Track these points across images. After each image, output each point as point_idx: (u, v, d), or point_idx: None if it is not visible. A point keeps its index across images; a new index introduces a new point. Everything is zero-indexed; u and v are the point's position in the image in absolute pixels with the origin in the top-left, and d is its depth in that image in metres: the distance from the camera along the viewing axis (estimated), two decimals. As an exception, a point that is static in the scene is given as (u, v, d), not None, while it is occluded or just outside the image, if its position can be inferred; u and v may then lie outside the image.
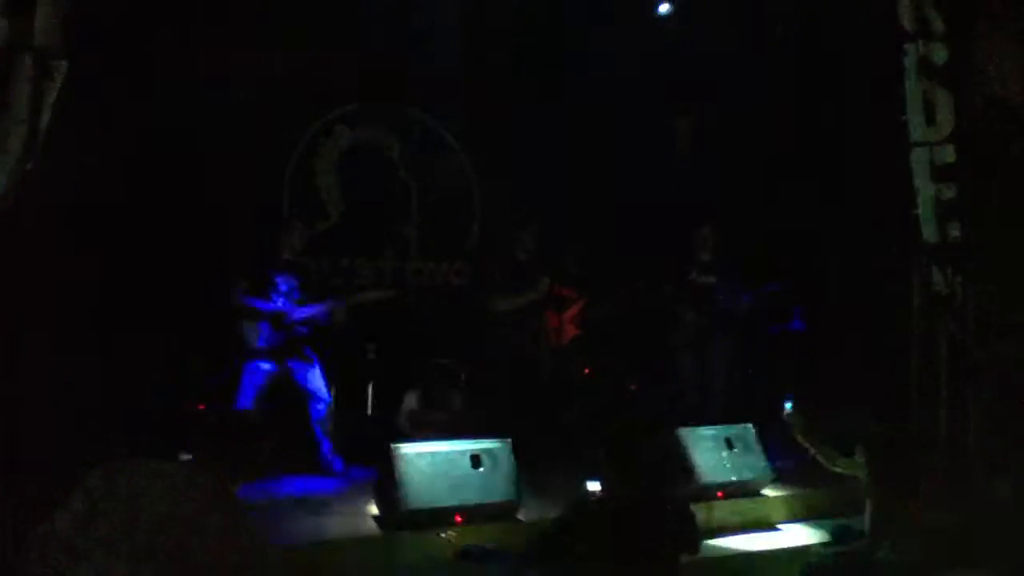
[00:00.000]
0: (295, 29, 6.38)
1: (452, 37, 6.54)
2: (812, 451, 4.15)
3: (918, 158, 2.91)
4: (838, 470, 4.06)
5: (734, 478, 4.93)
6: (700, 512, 3.79)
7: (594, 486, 4.72)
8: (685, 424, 5.12)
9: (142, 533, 2.30)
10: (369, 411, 6.41)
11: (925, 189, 2.87)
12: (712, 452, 4.94)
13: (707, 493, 4.84)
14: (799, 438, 4.15)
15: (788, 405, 4.17)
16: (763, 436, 5.12)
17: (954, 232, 2.72)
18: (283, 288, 5.41)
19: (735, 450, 4.96)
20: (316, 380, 5.53)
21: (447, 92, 7.56)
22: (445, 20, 6.34)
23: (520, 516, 4.54)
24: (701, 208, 6.74)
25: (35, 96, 3.67)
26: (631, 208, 7.48)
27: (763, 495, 5.05)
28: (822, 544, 4.36)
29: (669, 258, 6.40)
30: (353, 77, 7.33)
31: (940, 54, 2.92)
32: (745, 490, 4.99)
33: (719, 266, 6.11)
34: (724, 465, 4.91)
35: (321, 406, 5.55)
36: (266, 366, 5.36)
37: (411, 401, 6.11)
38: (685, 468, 4.84)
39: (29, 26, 3.70)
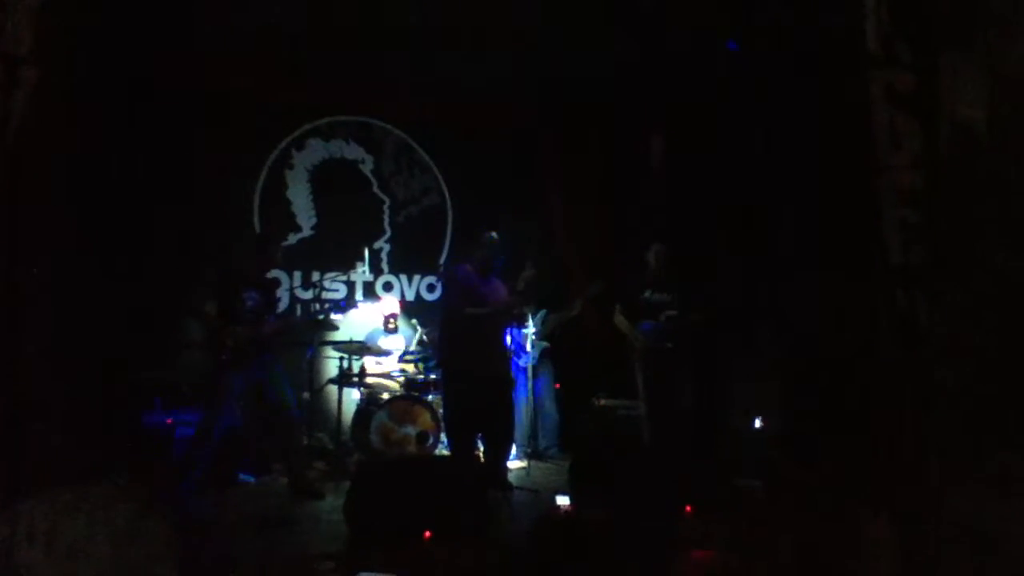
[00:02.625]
0: (271, 41, 6.37)
1: (427, 54, 6.56)
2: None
3: (884, 182, 2.96)
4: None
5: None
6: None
7: (563, 500, 4.76)
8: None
9: (64, 560, 2.28)
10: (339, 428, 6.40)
11: (890, 213, 2.92)
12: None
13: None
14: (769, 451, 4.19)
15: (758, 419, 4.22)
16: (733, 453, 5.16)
17: (919, 255, 2.77)
18: (249, 304, 5.38)
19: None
20: (285, 397, 5.50)
21: (421, 108, 7.61)
22: (421, 37, 6.35)
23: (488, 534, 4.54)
24: (661, 225, 6.80)
25: (2, 103, 3.60)
26: (593, 225, 7.58)
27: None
28: None
29: (622, 276, 6.43)
30: (328, 91, 7.35)
31: (906, 81, 2.98)
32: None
33: (671, 283, 6.13)
34: None
35: (291, 423, 5.52)
36: (238, 379, 5.32)
37: (382, 416, 6.10)
38: None
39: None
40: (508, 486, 5.60)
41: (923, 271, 2.77)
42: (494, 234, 5.50)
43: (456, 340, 5.42)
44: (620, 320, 6.12)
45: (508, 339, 6.02)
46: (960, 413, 2.50)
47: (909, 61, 2.89)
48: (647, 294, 6.11)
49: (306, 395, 6.47)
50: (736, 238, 6.29)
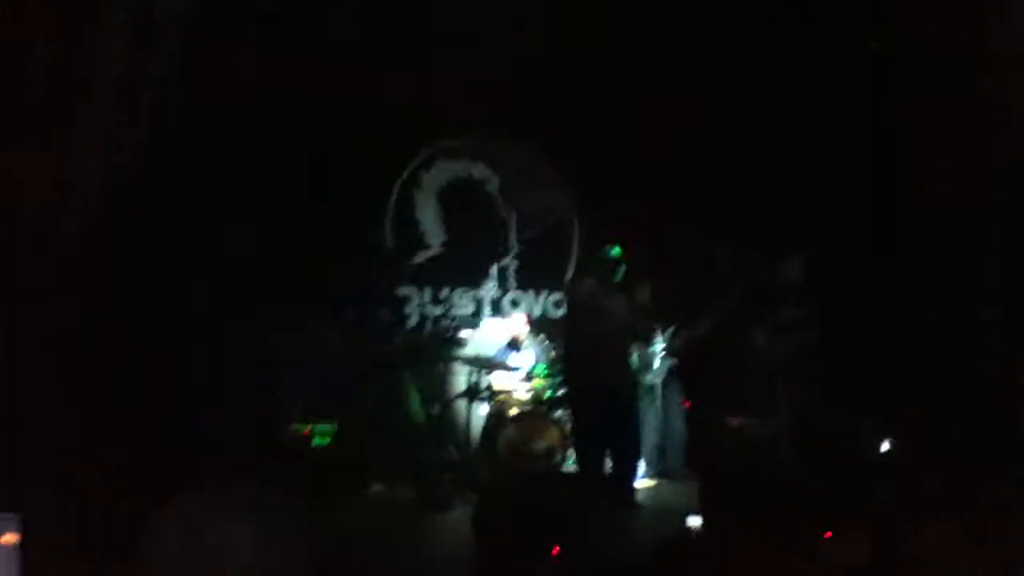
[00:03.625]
0: (399, 61, 6.55)
1: (548, 72, 6.61)
2: None
3: (986, 177, 2.77)
4: None
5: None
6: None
7: (695, 521, 4.64)
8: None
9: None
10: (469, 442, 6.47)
11: (993, 211, 2.73)
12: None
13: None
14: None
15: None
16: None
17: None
18: (381, 320, 5.53)
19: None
20: (417, 411, 5.62)
21: (545, 126, 7.63)
22: (542, 57, 6.40)
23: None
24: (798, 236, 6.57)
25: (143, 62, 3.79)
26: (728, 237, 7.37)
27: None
28: None
29: (758, 291, 6.25)
30: (455, 110, 7.48)
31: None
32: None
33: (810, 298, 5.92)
34: None
35: (422, 436, 5.63)
36: (370, 392, 5.48)
37: (510, 431, 6.14)
38: None
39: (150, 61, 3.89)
40: (636, 504, 5.52)
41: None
42: (615, 249, 5.47)
43: (580, 356, 5.41)
44: (757, 336, 6.00)
45: (633, 355, 5.94)
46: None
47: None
48: (785, 309, 5.95)
49: (436, 409, 6.57)
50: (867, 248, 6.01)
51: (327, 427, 5.91)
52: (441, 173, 7.73)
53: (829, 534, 4.65)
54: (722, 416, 6.60)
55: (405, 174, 7.61)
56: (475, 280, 7.63)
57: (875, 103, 5.99)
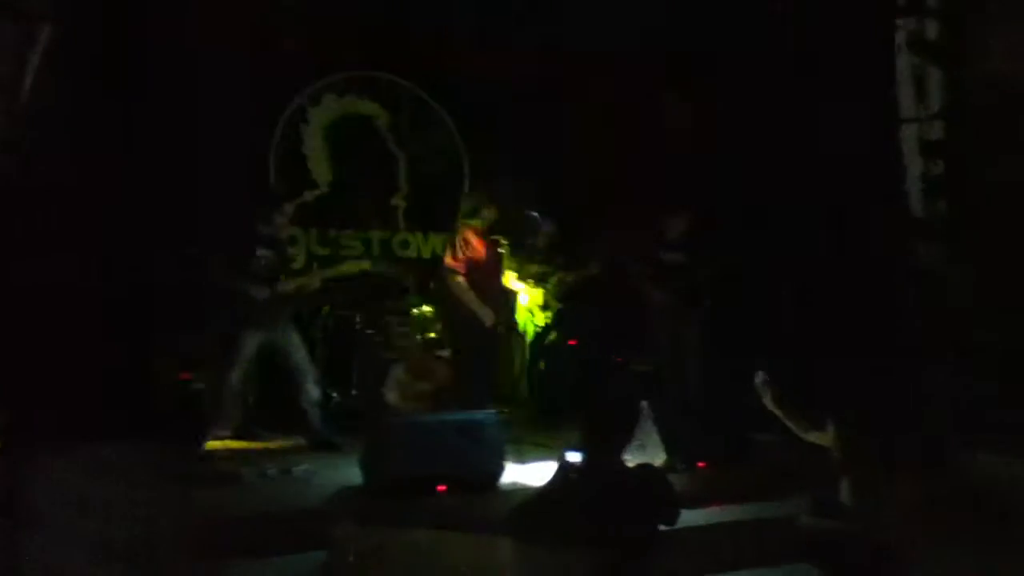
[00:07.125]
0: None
1: (442, 6, 6.48)
2: (786, 421, 4.11)
3: (908, 134, 2.90)
4: (811, 440, 4.03)
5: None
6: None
7: (574, 457, 4.75)
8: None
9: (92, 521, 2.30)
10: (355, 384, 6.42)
11: (914, 165, 2.86)
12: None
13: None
14: (772, 407, 4.10)
15: (760, 374, 4.13)
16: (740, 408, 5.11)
17: (942, 208, 2.72)
18: (264, 263, 5.39)
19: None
20: (300, 354, 5.52)
21: (437, 62, 7.50)
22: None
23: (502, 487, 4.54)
24: (678, 184, 6.73)
25: (17, 60, 3.60)
26: (608, 183, 7.47)
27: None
28: (809, 515, 4.29)
29: (637, 236, 6.38)
30: (342, 45, 7.26)
31: (933, 29, 2.91)
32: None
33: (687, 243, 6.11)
34: None
35: (305, 379, 5.53)
36: (253, 337, 5.34)
37: (398, 373, 6.12)
38: None
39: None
40: (517, 439, 5.61)
41: (947, 225, 2.72)
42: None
43: (463, 299, 5.42)
44: (640, 278, 6.14)
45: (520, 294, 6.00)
46: (985, 369, 2.46)
47: (936, 7, 2.81)
48: (663, 254, 6.10)
49: (322, 351, 6.48)
50: (749, 194, 6.22)
51: (208, 373, 5.75)
52: (329, 108, 7.50)
53: (703, 464, 4.89)
54: (607, 353, 6.76)
55: (291, 108, 7.35)
56: (364, 220, 7.49)
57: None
